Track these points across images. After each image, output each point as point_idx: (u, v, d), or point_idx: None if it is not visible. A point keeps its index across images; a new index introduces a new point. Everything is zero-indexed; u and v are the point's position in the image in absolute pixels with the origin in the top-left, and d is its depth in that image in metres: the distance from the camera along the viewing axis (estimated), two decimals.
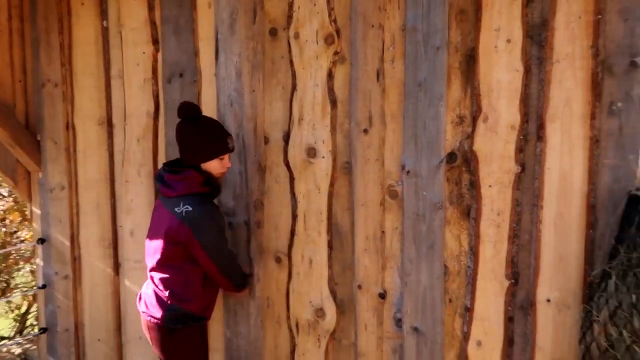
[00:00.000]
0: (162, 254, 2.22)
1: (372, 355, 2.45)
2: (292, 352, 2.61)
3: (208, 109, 2.64)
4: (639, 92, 1.97)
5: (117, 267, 2.95)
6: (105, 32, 2.86)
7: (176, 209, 2.15)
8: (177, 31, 2.67)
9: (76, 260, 3.06)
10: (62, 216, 3.04)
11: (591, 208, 2.06)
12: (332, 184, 2.45)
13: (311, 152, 2.47)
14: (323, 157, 2.45)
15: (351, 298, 2.46)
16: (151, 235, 2.31)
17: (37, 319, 5.35)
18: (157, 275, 2.25)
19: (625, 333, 1.83)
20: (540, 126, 2.10)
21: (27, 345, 3.87)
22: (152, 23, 2.73)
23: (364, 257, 2.41)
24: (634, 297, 1.84)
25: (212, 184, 2.28)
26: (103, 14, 2.85)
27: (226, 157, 2.31)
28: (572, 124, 2.06)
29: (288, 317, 2.60)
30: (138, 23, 2.76)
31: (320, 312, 2.52)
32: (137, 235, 2.85)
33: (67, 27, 2.94)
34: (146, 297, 2.29)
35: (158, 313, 2.21)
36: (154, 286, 2.27)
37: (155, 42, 2.74)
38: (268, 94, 2.53)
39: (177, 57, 2.69)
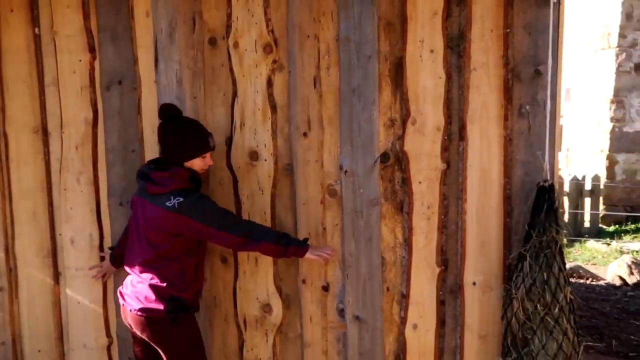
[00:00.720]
0: (157, 249, 2.29)
1: (317, 345, 2.62)
2: (241, 348, 2.73)
3: (149, 116, 2.71)
4: (543, 96, 2.28)
5: (57, 276, 2.93)
6: (37, 39, 2.84)
7: (167, 204, 2.24)
8: (115, 39, 2.72)
9: (12, 271, 3.00)
10: None
11: (507, 199, 2.35)
12: (274, 185, 2.60)
13: (254, 156, 2.61)
14: (265, 160, 2.60)
15: (296, 292, 2.63)
16: (138, 233, 2.37)
17: None
18: (153, 269, 2.31)
19: (539, 307, 2.13)
20: (462, 127, 2.37)
21: None
22: (88, 31, 2.75)
23: None
24: (545, 274, 2.14)
25: (197, 180, 2.39)
26: (34, 20, 2.83)
27: (208, 155, 2.42)
28: (488, 125, 2.34)
29: (236, 315, 2.72)
30: (73, 31, 2.77)
31: (267, 308, 2.67)
32: (78, 243, 2.86)
33: None
34: (138, 295, 2.32)
35: (160, 305, 2.27)
36: (147, 281, 2.31)
37: (91, 49, 2.76)
38: (209, 100, 2.64)
39: (115, 64, 2.73)
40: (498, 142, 2.34)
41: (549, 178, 2.23)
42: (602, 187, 7.78)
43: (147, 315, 2.31)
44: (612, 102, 7.94)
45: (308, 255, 2.41)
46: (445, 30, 2.35)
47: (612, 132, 7.98)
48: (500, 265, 2.37)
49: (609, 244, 7.02)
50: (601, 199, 7.80)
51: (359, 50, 2.43)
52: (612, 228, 7.80)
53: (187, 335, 2.37)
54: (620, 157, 7.97)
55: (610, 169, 8.01)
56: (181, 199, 2.26)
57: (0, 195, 2.96)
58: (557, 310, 2.12)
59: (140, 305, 2.32)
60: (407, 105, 2.42)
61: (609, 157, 8.03)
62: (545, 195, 2.19)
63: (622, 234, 7.45)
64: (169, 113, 2.38)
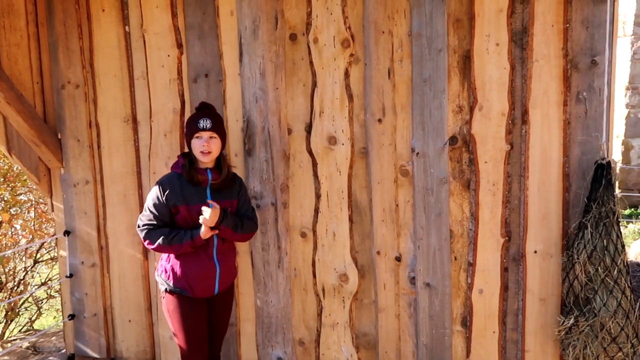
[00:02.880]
0: None
1: (390, 310, 2.93)
2: (319, 314, 3.04)
3: (233, 105, 3.00)
4: (598, 84, 2.56)
5: (146, 252, 3.24)
6: (127, 36, 3.12)
7: None
8: (202, 36, 3.00)
9: (103, 249, 3.31)
10: (88, 209, 3.28)
11: (566, 176, 2.63)
12: (351, 167, 2.89)
13: (332, 140, 2.90)
14: (343, 144, 2.89)
15: (370, 263, 2.93)
16: None
17: (27, 317, 5.42)
18: None
19: (599, 269, 2.42)
20: (525, 112, 2.65)
21: (34, 339, 4.03)
22: (176, 29, 3.04)
23: (382, 227, 2.88)
24: (604, 241, 2.43)
25: (186, 167, 2.56)
26: (125, 19, 3.11)
27: (204, 137, 2.53)
28: (549, 110, 2.62)
29: (314, 284, 3.02)
30: (162, 28, 3.05)
31: (344, 277, 2.97)
32: None
33: (86, 32, 3.17)
34: None
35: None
36: None
37: (179, 45, 3.04)
38: (290, 91, 2.93)
39: (202, 59, 3.01)
40: (558, 125, 2.62)
41: (606, 156, 2.52)
42: (617, 171, 8.07)
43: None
44: (627, 88, 8.21)
45: (202, 235, 2.51)
46: (509, 26, 2.63)
47: (628, 117, 8.25)
48: (560, 234, 2.66)
49: (626, 226, 7.31)
50: (617, 183, 8.09)
51: (430, 44, 2.71)
52: (627, 211, 8.09)
53: (169, 310, 2.64)
54: (636, 142, 8.25)
55: (626, 154, 8.29)
56: None
57: (93, 180, 3.26)
58: (616, 272, 2.41)
59: None
60: (474, 93, 2.70)
61: (624, 143, 8.30)
62: (603, 171, 2.48)
63: (638, 217, 7.74)
64: (199, 105, 2.68)
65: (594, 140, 2.58)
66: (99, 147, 3.24)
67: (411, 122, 2.78)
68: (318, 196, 2.96)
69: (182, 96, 3.08)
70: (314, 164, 2.94)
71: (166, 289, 2.64)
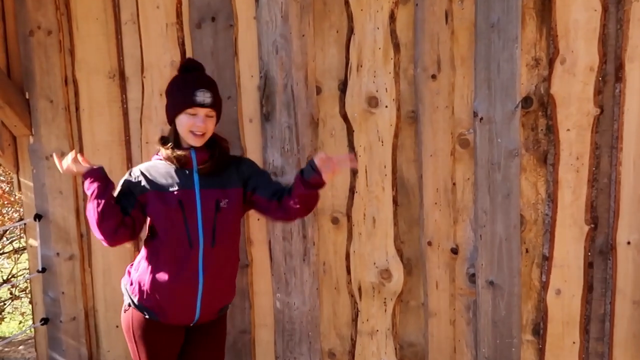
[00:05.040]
0: None
1: (443, 314, 2.79)
2: (355, 319, 2.92)
3: (247, 57, 2.88)
4: None
5: (137, 242, 3.05)
6: None
7: None
8: None
9: (83, 237, 3.18)
10: (63, 187, 3.16)
11: None
12: (396, 135, 2.76)
13: (372, 102, 2.72)
14: (386, 107, 2.73)
15: (419, 256, 2.80)
16: None
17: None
18: None
19: None
20: (619, 67, 2.49)
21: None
22: None
23: (434, 212, 2.74)
24: None
25: (170, 144, 2.26)
26: None
27: (201, 115, 2.21)
28: None
29: (349, 282, 2.90)
30: None
31: (385, 274, 2.83)
32: None
33: None
34: None
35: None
36: None
37: None
38: (320, 38, 2.77)
39: None
40: None
41: None
42: None
43: None
44: None
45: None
46: None
47: None
48: None
49: None
50: None
51: None
52: None
53: (130, 329, 2.35)
54: None
55: None
56: None
57: (70, 150, 3.06)
58: None
59: None
60: (555, 42, 2.53)
61: None
62: None
63: None
64: (186, 65, 2.34)
65: None
66: (77, 109, 3.14)
67: (474, 78, 2.63)
68: (354, 172, 2.83)
69: (182, 45, 2.96)
70: (350, 132, 2.82)
71: (129, 303, 2.35)
